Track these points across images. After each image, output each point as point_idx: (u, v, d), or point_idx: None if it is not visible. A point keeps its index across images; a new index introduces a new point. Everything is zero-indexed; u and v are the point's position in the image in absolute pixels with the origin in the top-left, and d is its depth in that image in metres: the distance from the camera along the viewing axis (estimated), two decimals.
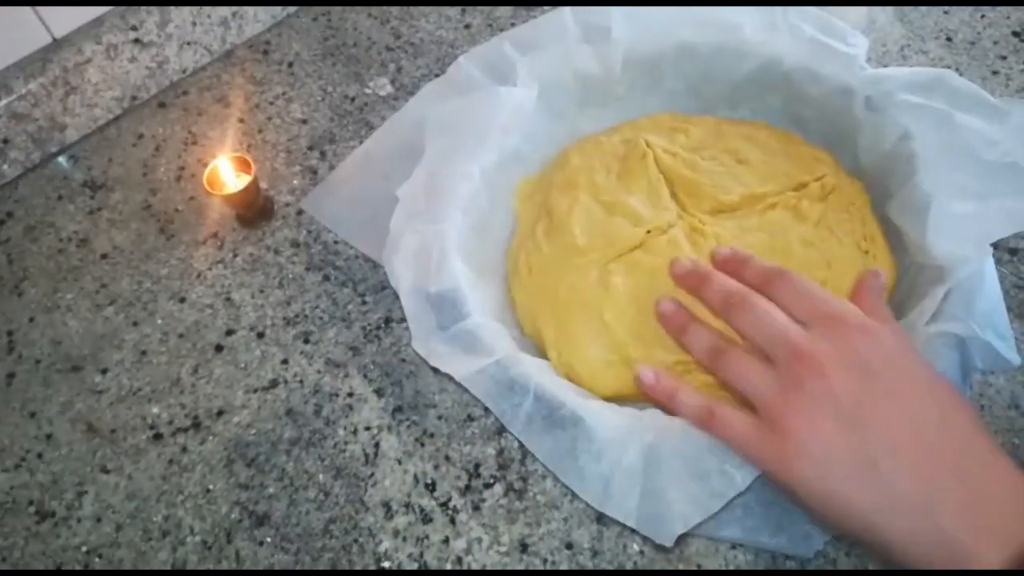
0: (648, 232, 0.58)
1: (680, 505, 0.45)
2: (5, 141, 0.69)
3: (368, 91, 0.76)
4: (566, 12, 0.68)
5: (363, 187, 0.67)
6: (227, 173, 0.64)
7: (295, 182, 0.70)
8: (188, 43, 0.76)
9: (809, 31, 0.65)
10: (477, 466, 0.55)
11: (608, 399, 0.53)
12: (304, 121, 0.74)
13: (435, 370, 0.58)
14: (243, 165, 0.65)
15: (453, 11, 0.82)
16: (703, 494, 0.45)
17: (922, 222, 0.54)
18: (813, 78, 0.64)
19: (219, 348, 0.61)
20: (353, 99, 0.75)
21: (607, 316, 0.55)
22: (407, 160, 0.64)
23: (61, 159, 0.73)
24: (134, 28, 0.72)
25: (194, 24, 0.75)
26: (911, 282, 0.55)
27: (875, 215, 0.61)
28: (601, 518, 0.52)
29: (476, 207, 0.61)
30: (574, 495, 0.53)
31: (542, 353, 0.57)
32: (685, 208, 0.61)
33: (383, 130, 0.70)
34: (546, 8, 0.81)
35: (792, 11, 0.66)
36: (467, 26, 0.81)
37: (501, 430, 0.56)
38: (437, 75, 0.76)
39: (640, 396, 0.54)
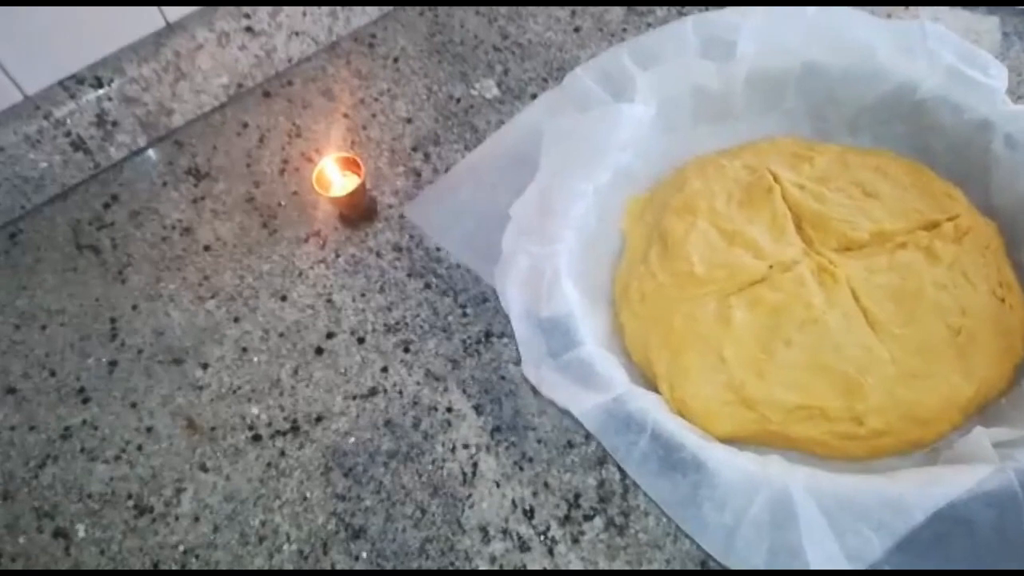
0: (771, 267, 0.56)
1: (816, 565, 0.43)
2: (114, 124, 0.69)
3: (474, 92, 0.74)
4: (688, 23, 0.65)
5: (470, 197, 0.65)
6: (334, 173, 0.63)
7: (398, 183, 0.69)
8: (296, 33, 0.75)
9: (948, 58, 0.62)
10: (577, 496, 0.54)
11: (722, 439, 0.51)
12: (409, 120, 0.73)
13: (535, 392, 0.57)
14: (351, 165, 0.64)
15: (563, 12, 0.79)
16: (839, 555, 0.43)
17: None
18: (951, 109, 0.61)
19: (319, 351, 0.61)
20: (458, 100, 0.74)
21: (726, 352, 0.53)
22: (516, 171, 0.62)
23: (165, 144, 0.73)
24: (247, 16, 0.71)
25: (304, 14, 0.74)
26: None
27: (1009, 260, 0.57)
28: (705, 562, 0.50)
29: (586, 226, 0.59)
30: (677, 536, 0.51)
31: (651, 384, 0.55)
32: (811, 243, 0.58)
33: (493, 139, 0.68)
34: (657, 11, 0.78)
35: (931, 34, 0.63)
36: (576, 29, 0.78)
37: (603, 460, 0.55)
38: (544, 80, 0.74)
39: (757, 439, 0.52)
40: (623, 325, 0.58)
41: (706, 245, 0.58)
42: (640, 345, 0.56)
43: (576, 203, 0.58)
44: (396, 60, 0.77)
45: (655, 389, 0.55)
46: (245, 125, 0.74)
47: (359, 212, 0.65)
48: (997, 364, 0.53)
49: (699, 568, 0.50)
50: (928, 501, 0.43)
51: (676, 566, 0.50)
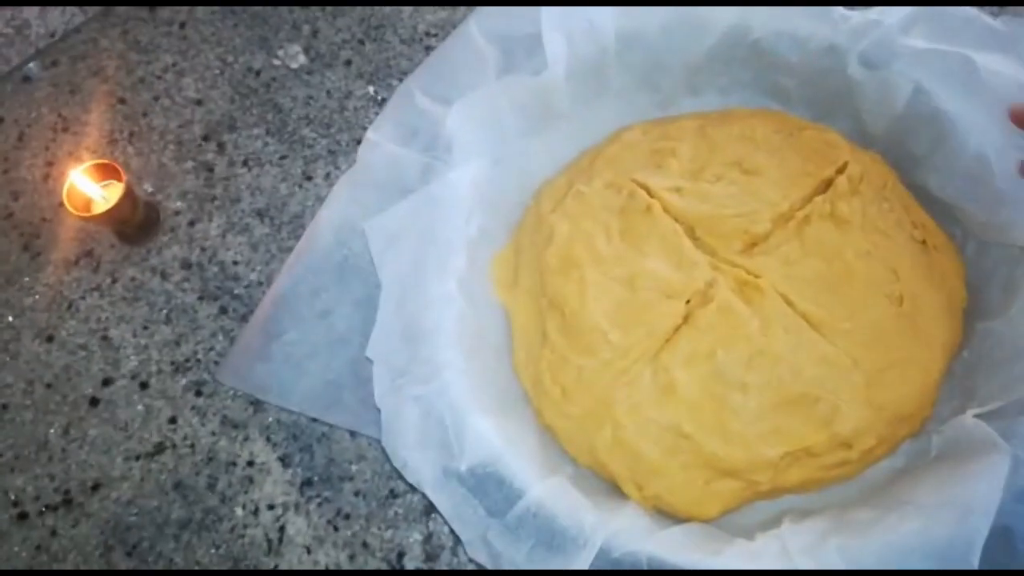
0: (688, 302, 0.48)
1: None
2: None
3: (277, 62, 0.63)
4: (472, 30, 0.53)
5: (299, 337, 0.50)
6: (89, 185, 0.52)
7: (187, 183, 0.58)
8: None
9: None
10: (401, 555, 0.47)
11: (714, 520, 0.45)
12: (198, 102, 0.61)
13: (353, 434, 0.49)
14: (110, 172, 0.53)
15: None
16: None
17: (984, 194, 0.47)
18: (790, 41, 0.53)
19: (94, 402, 0.51)
20: (258, 72, 0.62)
21: (686, 427, 0.45)
22: (345, 288, 0.51)
23: None
24: None
25: None
26: (981, 266, 0.49)
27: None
28: None
29: (465, 328, 0.48)
30: None
31: (609, 484, 0.47)
32: (714, 253, 0.50)
33: (301, 252, 0.52)
34: None
35: None
36: None
37: (429, 509, 0.47)
38: (360, 41, 0.63)
39: (747, 501, 0.46)
40: (551, 427, 0.48)
41: (609, 302, 0.48)
42: (584, 448, 0.47)
43: (445, 309, 0.48)
44: (183, 26, 0.65)
45: (614, 485, 0.47)
46: (0, 121, 0.61)
47: (135, 226, 0.55)
48: (949, 319, 0.48)
49: None
50: (974, 535, 0.37)
51: None
